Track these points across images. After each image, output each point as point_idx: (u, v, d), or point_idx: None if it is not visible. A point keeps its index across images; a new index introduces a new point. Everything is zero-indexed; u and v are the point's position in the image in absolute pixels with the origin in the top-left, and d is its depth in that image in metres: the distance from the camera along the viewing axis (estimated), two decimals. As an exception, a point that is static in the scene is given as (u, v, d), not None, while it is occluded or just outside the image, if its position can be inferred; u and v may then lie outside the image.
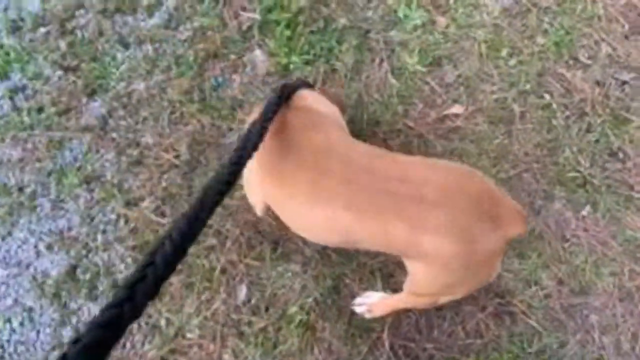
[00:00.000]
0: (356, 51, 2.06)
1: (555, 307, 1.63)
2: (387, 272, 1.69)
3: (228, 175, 0.93)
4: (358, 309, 1.64)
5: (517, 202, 1.19)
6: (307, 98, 1.36)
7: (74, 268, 1.78)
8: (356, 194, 1.14)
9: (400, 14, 2.12)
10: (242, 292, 1.69)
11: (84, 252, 1.79)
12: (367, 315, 1.63)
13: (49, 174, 1.89)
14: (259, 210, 1.45)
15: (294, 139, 1.21)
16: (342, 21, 2.12)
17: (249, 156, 1.02)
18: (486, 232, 1.11)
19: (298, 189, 1.19)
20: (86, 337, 0.62)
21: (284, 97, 1.25)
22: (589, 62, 1.99)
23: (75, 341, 0.61)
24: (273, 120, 1.15)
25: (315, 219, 1.20)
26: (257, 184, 1.30)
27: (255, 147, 1.04)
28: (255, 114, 1.25)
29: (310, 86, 1.47)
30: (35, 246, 1.80)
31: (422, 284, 1.25)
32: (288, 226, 1.31)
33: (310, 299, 1.66)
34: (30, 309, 1.74)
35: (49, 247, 1.80)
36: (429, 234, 1.11)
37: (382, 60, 2.04)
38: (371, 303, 1.63)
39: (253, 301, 1.68)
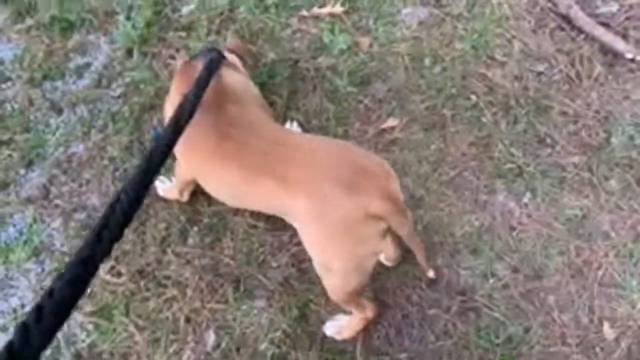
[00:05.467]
0: (289, 82, 2.13)
1: (514, 295, 1.69)
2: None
3: (166, 146, 1.07)
4: (329, 332, 1.65)
5: (401, 193, 1.31)
6: (229, 79, 1.53)
7: (33, 346, 1.71)
8: (245, 156, 1.32)
9: (326, 40, 2.21)
10: (211, 337, 1.67)
11: (41, 327, 1.73)
12: (338, 337, 1.64)
13: (-6, 254, 1.83)
14: (182, 183, 1.69)
15: (214, 110, 1.39)
16: (271, 55, 2.18)
17: (184, 127, 1.15)
18: (338, 195, 1.21)
19: (207, 149, 1.38)
20: (69, 273, 0.76)
21: (212, 73, 1.40)
22: (505, 59, 2.12)
23: (59, 277, 0.75)
24: (204, 93, 1.29)
25: (220, 179, 1.40)
26: (183, 151, 1.44)
27: (189, 119, 1.17)
28: (175, 89, 1.52)
29: (222, 56, 1.61)
30: (-11, 330, 1.73)
31: (308, 249, 1.35)
32: (211, 192, 1.51)
33: (279, 332, 1.66)
34: (-8, 398, 1.66)
35: (4, 329, 1.73)
36: (289, 191, 1.25)
37: (315, 87, 2.11)
38: (340, 325, 1.64)
39: (223, 345, 1.66)
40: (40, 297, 0.73)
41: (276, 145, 1.32)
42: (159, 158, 1.03)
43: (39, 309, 0.71)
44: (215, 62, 1.49)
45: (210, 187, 1.51)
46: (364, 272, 1.35)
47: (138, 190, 0.93)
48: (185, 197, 1.80)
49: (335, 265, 1.31)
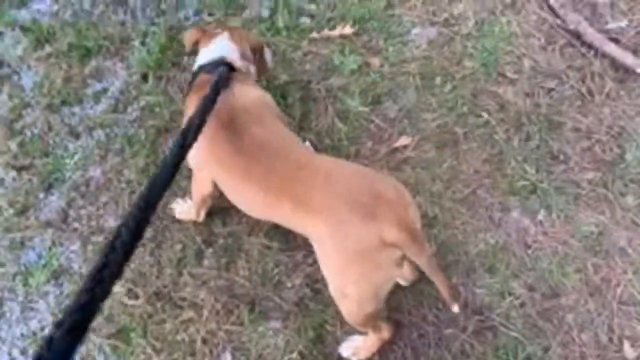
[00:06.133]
0: (301, 103, 2.16)
1: (532, 313, 1.68)
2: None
3: (172, 166, 1.08)
4: (345, 353, 1.64)
5: (419, 221, 1.32)
6: (245, 97, 1.55)
7: (52, 369, 1.73)
8: (269, 177, 1.36)
9: (336, 62, 2.24)
10: (227, 359, 1.67)
11: (60, 350, 1.75)
12: (354, 358, 1.63)
13: (14, 277, 1.86)
14: (199, 200, 1.72)
15: (239, 132, 1.44)
16: (283, 77, 2.22)
17: (189, 148, 1.17)
18: (355, 221, 1.23)
19: (236, 171, 1.44)
20: (68, 320, 0.72)
21: (218, 93, 1.42)
22: (516, 76, 2.14)
23: (58, 325, 0.72)
24: (210, 113, 1.31)
25: (245, 196, 1.47)
26: (205, 165, 1.50)
27: (194, 139, 1.19)
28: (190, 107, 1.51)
29: (232, 68, 1.62)
30: (9, 354, 1.75)
31: (324, 272, 1.37)
32: (229, 200, 1.55)
33: (295, 354, 1.65)
34: (12, 421, 1.67)
35: (24, 352, 1.75)
36: (307, 213, 1.29)
37: (326, 107, 2.14)
38: (356, 346, 1.63)
39: (239, 366, 1.66)
40: (39, 346, 0.69)
41: (299, 170, 1.35)
42: (161, 185, 1.01)
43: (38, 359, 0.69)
44: (223, 80, 1.49)
45: (231, 198, 1.55)
46: (379, 298, 1.35)
47: (140, 221, 0.89)
48: (202, 217, 1.82)
49: (350, 290, 1.32)
